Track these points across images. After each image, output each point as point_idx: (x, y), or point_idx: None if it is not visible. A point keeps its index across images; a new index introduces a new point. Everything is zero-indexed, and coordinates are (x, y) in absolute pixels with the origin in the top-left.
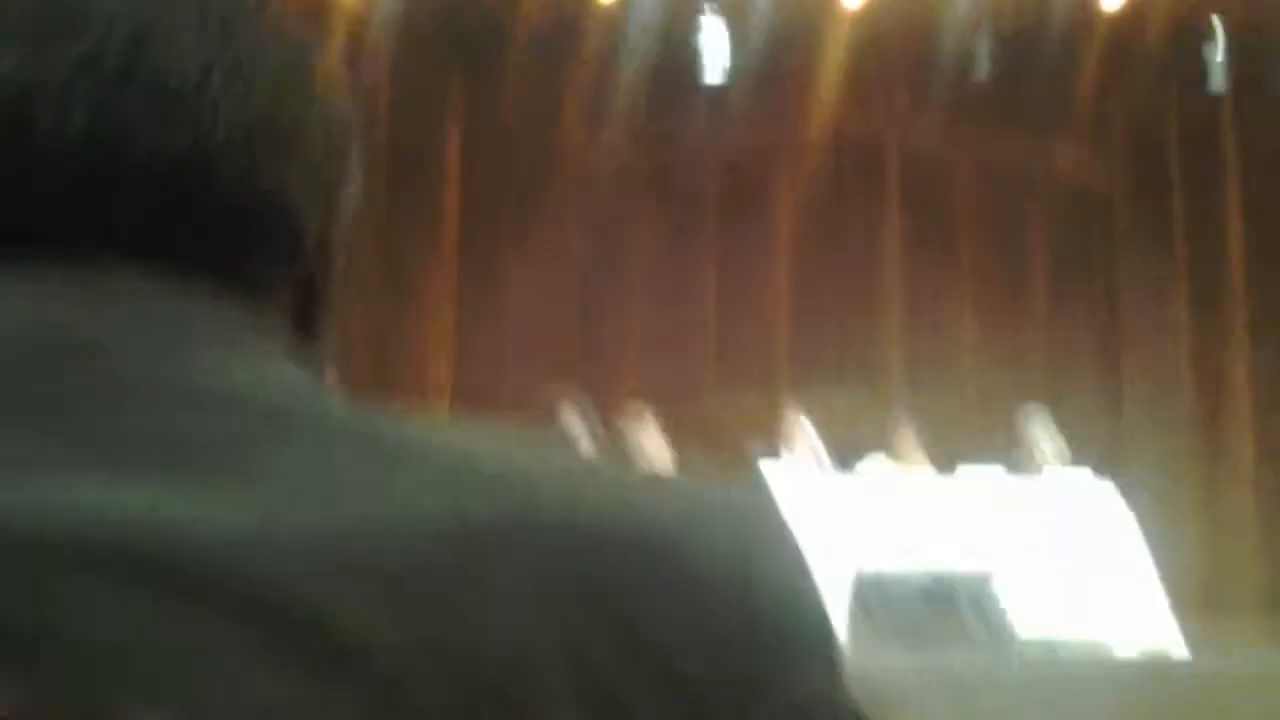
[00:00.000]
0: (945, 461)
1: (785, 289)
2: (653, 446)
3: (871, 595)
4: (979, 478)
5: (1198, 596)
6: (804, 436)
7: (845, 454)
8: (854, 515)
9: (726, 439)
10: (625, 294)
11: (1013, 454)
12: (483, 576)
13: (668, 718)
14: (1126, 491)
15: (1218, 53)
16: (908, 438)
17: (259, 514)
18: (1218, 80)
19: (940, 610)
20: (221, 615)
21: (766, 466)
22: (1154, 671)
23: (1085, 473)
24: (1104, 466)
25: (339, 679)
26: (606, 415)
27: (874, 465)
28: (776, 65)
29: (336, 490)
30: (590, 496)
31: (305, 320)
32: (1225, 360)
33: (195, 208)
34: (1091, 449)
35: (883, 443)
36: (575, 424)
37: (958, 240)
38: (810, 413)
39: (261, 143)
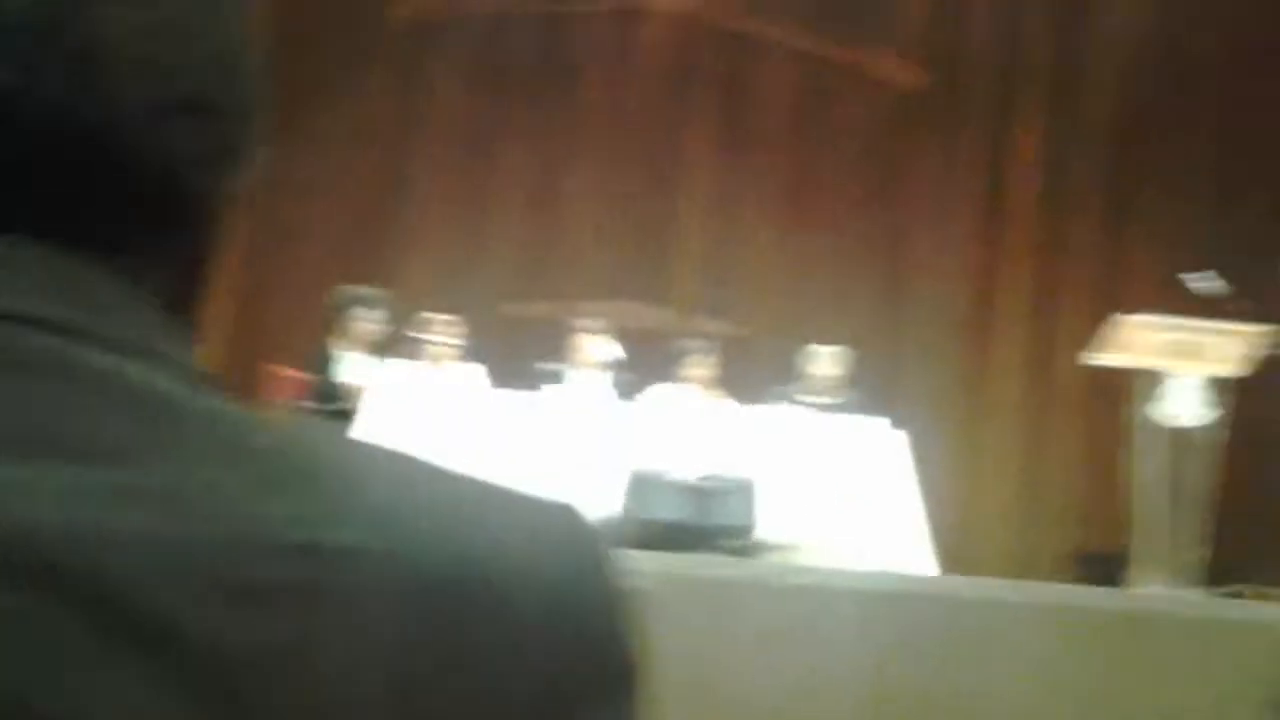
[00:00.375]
0: (733, 385)
1: (585, 193)
2: (448, 354)
3: (641, 493)
4: (763, 406)
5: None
6: (597, 350)
7: (637, 372)
8: (639, 430)
9: (521, 350)
10: (425, 194)
11: (797, 381)
12: (326, 597)
13: None
14: (901, 422)
15: None
16: (699, 361)
17: (117, 509)
18: None
19: (703, 508)
20: (51, 601)
21: (557, 378)
22: (901, 588)
23: (863, 405)
24: (881, 396)
25: (176, 676)
26: (401, 315)
27: (663, 388)
28: None
29: (195, 495)
30: (435, 529)
31: (188, 288)
32: (1000, 286)
33: (98, 177)
34: (871, 378)
35: (673, 364)
36: (369, 322)
37: (764, 146)
38: (605, 326)
39: (173, 112)
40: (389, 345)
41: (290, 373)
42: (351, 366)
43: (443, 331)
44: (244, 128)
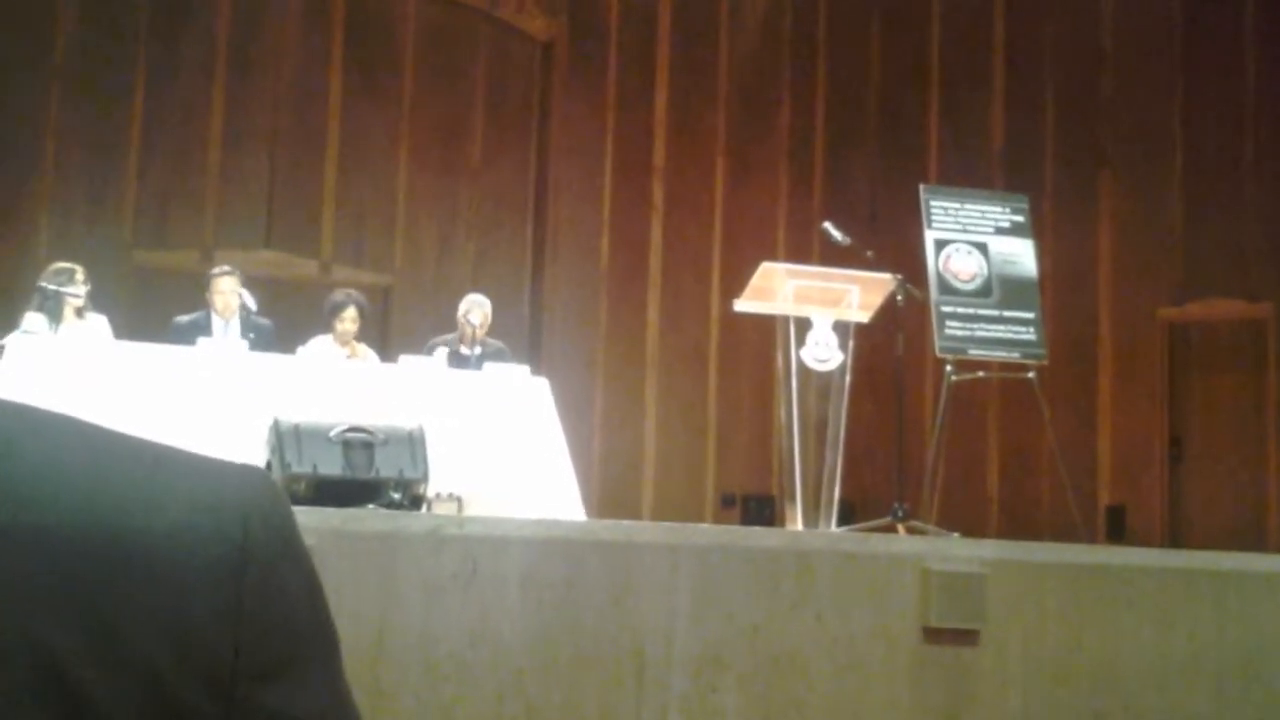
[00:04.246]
0: (378, 335)
1: (215, 140)
2: (73, 304)
3: (289, 443)
4: (409, 356)
5: (615, 478)
6: (229, 297)
7: (280, 322)
8: (284, 382)
9: (156, 300)
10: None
11: (443, 330)
12: None
13: (147, 718)
14: (548, 371)
15: None
16: (348, 316)
17: None
18: None
19: (359, 459)
20: None
21: (189, 327)
22: (564, 534)
23: (514, 357)
24: (528, 346)
25: None
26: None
27: (317, 344)
28: None
29: None
30: (87, 501)
31: None
32: (650, 238)
33: None
34: (516, 327)
35: (318, 314)
36: None
37: (400, 81)
38: (237, 274)
39: None
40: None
41: None
42: None
43: (68, 281)
44: None
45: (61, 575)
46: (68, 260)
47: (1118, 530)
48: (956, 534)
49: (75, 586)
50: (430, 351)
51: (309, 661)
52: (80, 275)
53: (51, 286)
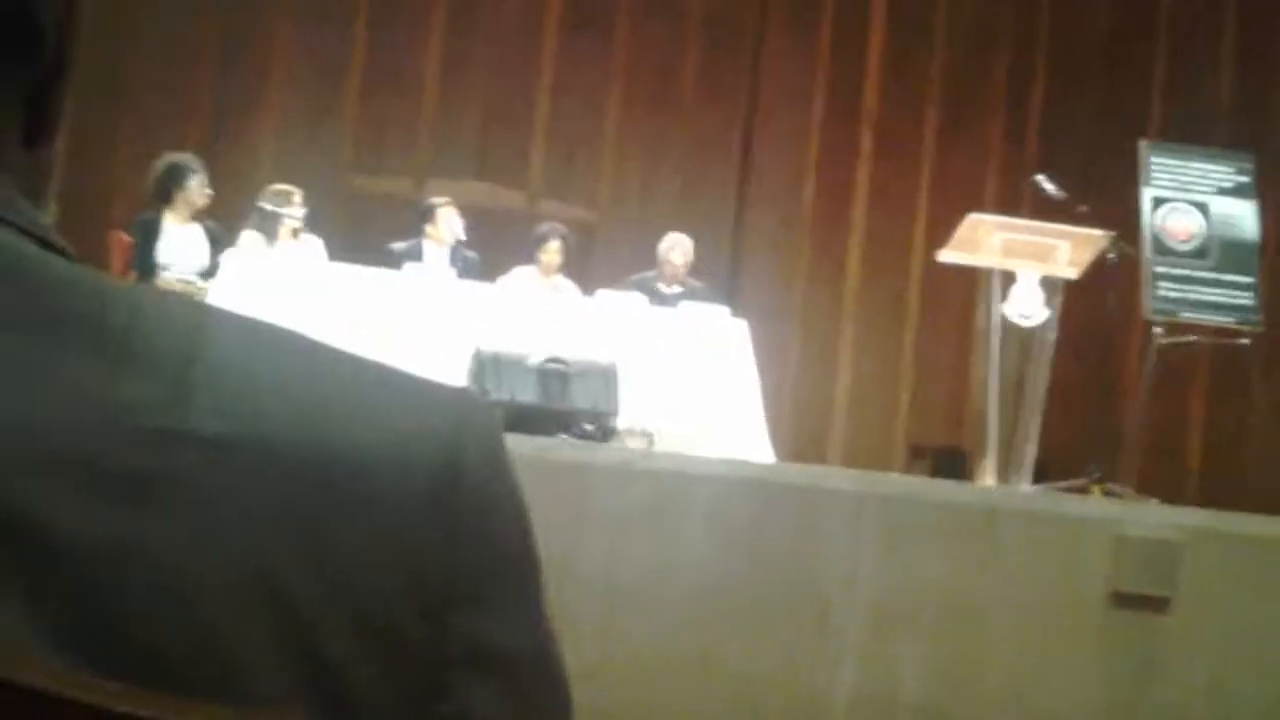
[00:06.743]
0: (581, 270)
1: (434, 69)
2: (290, 226)
3: (489, 371)
4: (610, 292)
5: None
6: (450, 227)
7: (486, 253)
8: (488, 311)
9: (367, 225)
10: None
11: (644, 268)
12: (183, 489)
13: (360, 642)
14: (745, 311)
15: None
16: (553, 248)
17: None
18: None
19: (554, 389)
20: None
21: (403, 254)
22: (751, 474)
23: (708, 293)
24: (728, 285)
25: (16, 566)
26: (238, 184)
27: (520, 275)
28: None
29: (44, 372)
30: (302, 416)
31: (40, 121)
32: (851, 179)
33: None
34: (717, 267)
35: (524, 247)
36: (202, 194)
37: (616, 17)
38: (454, 204)
39: None
40: (216, 213)
41: (126, 238)
42: (177, 235)
43: (286, 202)
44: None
45: (284, 494)
46: (286, 182)
47: None
48: (1154, 501)
49: (298, 506)
50: (627, 287)
51: (519, 591)
52: (298, 197)
53: (270, 207)
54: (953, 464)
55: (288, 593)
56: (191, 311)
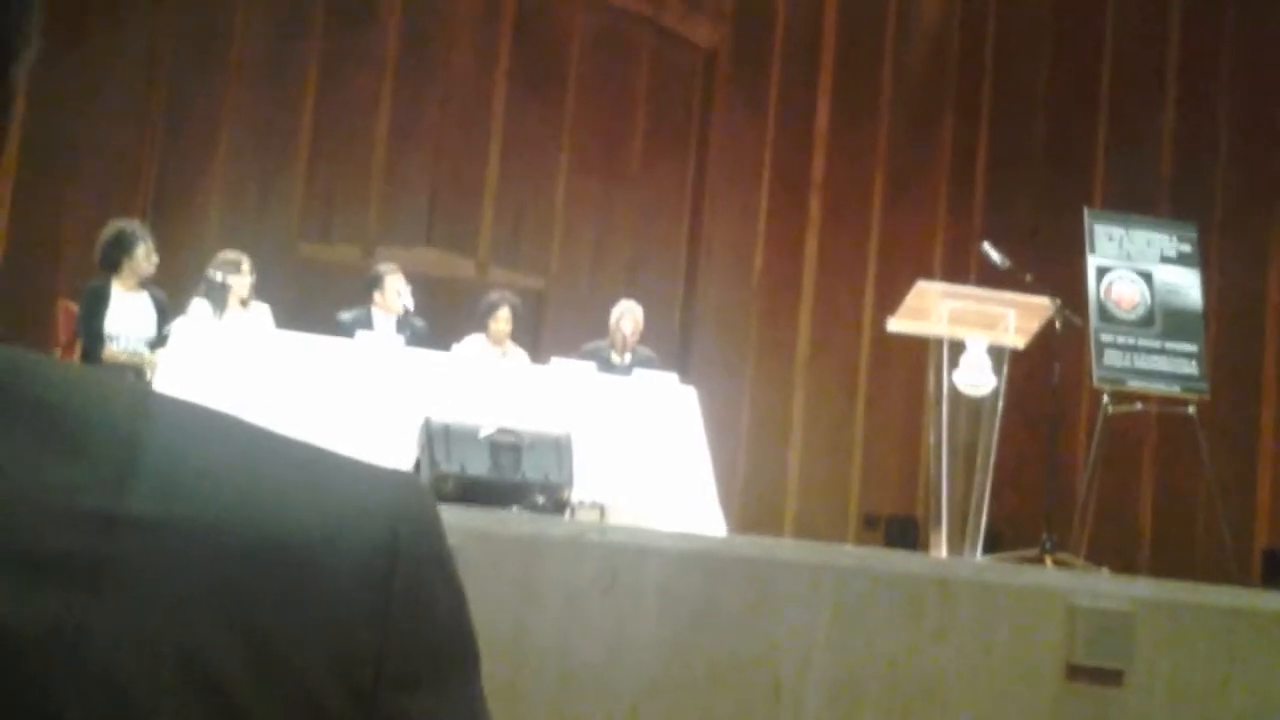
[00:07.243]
0: (529, 337)
1: (383, 136)
2: (239, 293)
3: (440, 442)
4: (559, 360)
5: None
6: (397, 295)
7: (436, 321)
8: (437, 380)
9: (317, 292)
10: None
11: (594, 336)
12: (116, 571)
13: None
14: (696, 380)
15: None
16: (503, 316)
17: None
18: None
19: (506, 461)
20: None
21: (351, 323)
22: (706, 548)
23: (664, 365)
24: (678, 354)
25: None
26: (193, 256)
27: (470, 343)
28: None
29: None
30: (239, 499)
31: None
32: (803, 250)
33: None
34: (667, 336)
35: (473, 314)
36: (149, 261)
37: (564, 86)
38: (402, 272)
39: None
40: (163, 281)
41: (73, 309)
42: (124, 303)
43: (234, 270)
44: (20, 14)
45: (216, 575)
46: (234, 249)
47: (1274, 574)
48: (1105, 569)
49: (232, 589)
50: (576, 355)
51: (451, 673)
52: (246, 265)
53: (218, 275)
54: (905, 532)
55: (220, 676)
56: (131, 394)
